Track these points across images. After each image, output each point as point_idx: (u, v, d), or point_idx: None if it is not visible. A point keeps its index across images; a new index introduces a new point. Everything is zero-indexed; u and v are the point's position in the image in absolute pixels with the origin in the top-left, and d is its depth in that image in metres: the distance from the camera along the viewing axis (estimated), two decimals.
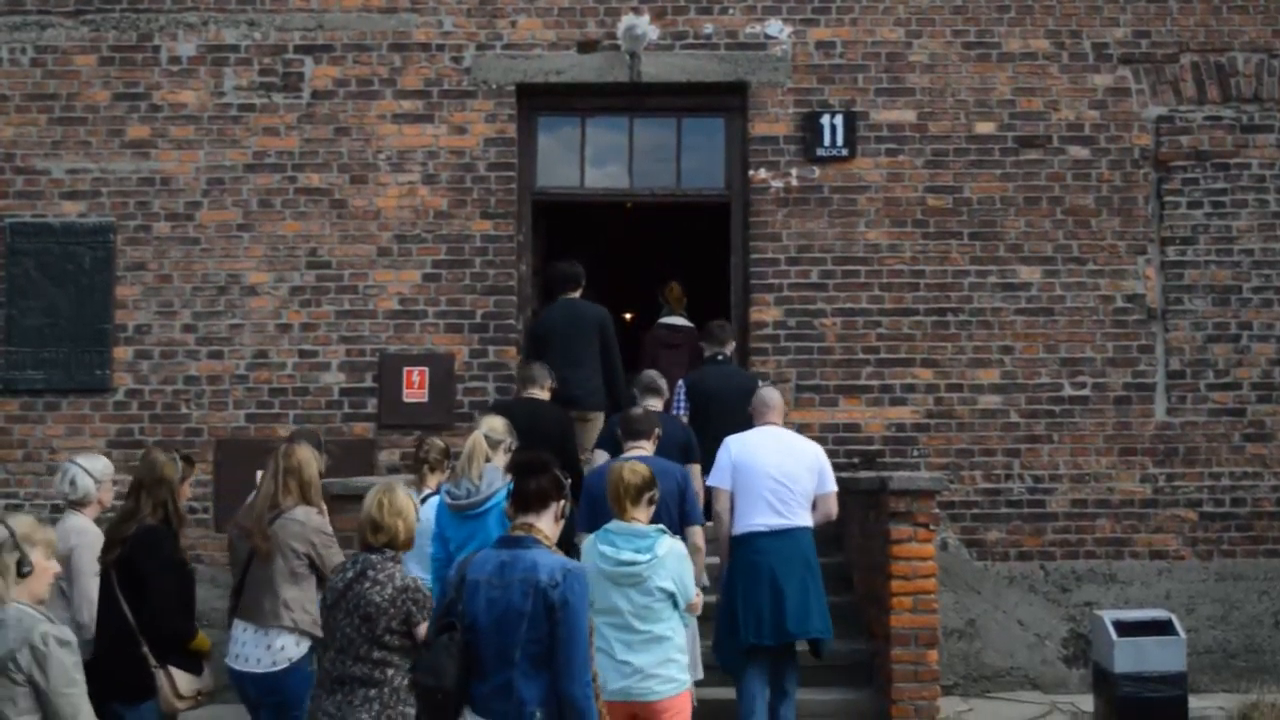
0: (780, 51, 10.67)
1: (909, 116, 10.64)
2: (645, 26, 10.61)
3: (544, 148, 10.94)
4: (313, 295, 10.48)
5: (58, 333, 10.39)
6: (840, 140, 10.56)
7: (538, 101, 10.80)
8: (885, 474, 8.91)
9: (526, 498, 5.06)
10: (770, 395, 8.27)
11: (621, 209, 11.82)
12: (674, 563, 6.05)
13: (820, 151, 10.56)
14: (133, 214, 10.52)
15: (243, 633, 6.46)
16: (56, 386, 10.38)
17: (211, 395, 10.39)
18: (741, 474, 7.80)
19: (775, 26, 10.69)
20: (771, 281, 10.48)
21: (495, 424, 7.22)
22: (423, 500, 7.36)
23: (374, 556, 5.47)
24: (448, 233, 10.52)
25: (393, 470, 9.93)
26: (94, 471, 6.99)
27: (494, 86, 10.62)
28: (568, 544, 6.68)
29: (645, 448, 7.53)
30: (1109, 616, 8.65)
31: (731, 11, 10.70)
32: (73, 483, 6.94)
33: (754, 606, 7.50)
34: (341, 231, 10.52)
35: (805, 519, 7.76)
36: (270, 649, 6.38)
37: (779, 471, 7.75)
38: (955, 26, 10.70)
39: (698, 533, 7.35)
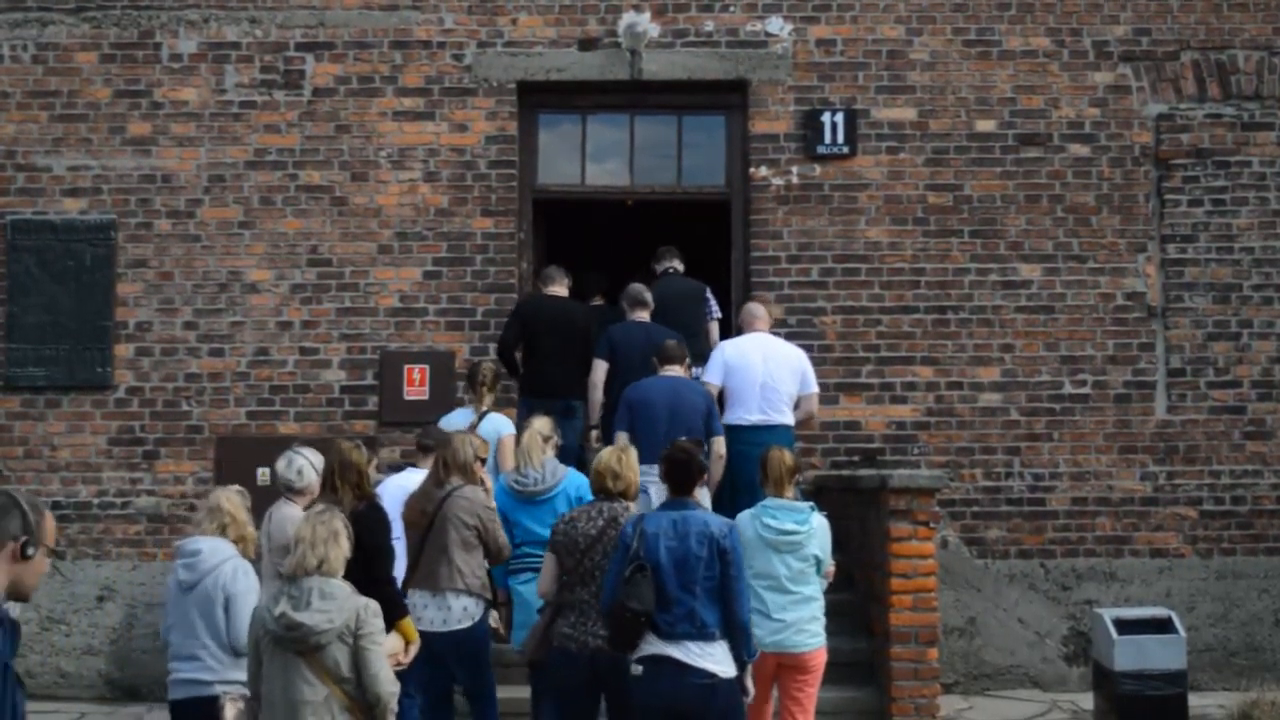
0: (781, 49, 10.67)
1: (909, 114, 10.64)
2: (646, 24, 10.62)
3: (545, 145, 10.94)
4: (314, 293, 10.48)
5: (59, 330, 10.40)
6: (841, 138, 10.56)
7: (538, 99, 10.80)
8: (885, 472, 8.90)
9: (682, 481, 6.40)
10: (757, 307, 9.52)
11: (622, 206, 11.81)
12: (822, 534, 7.21)
13: (821, 149, 10.56)
14: (134, 211, 10.53)
15: (421, 598, 7.14)
16: (57, 383, 10.39)
17: (212, 392, 10.40)
18: (734, 374, 9.03)
19: (776, 24, 10.69)
20: (772, 279, 10.48)
21: (542, 424, 8.01)
22: (480, 418, 8.71)
23: (617, 505, 6.62)
24: (448, 230, 10.52)
25: (394, 468, 9.94)
26: (317, 466, 7.29)
27: (495, 84, 10.63)
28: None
29: (678, 370, 8.84)
30: (1109, 614, 8.65)
31: (732, 9, 10.70)
32: (299, 472, 7.29)
33: (738, 492, 8.53)
34: (342, 229, 10.53)
35: (788, 417, 9.04)
36: (451, 610, 7.12)
37: (766, 374, 8.98)
38: (956, 24, 10.70)
39: (720, 442, 8.66)
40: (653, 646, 6.07)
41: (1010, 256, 10.54)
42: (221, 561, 6.19)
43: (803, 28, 10.69)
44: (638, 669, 6.12)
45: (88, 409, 10.39)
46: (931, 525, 8.50)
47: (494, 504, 7.48)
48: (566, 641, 6.51)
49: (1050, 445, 10.40)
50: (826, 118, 10.58)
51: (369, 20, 10.67)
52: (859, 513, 9.23)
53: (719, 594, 6.08)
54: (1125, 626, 8.47)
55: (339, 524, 5.64)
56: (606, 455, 6.81)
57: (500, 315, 10.35)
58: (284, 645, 5.44)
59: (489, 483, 7.90)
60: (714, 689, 6.03)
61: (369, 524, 6.65)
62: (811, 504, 7.29)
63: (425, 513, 7.22)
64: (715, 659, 6.06)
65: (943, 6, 10.71)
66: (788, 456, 7.36)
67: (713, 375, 9.09)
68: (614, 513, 6.59)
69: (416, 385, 10.31)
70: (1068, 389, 10.44)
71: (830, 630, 8.75)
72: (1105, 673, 8.46)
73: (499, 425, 8.76)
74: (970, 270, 10.52)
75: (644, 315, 9.49)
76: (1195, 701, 8.74)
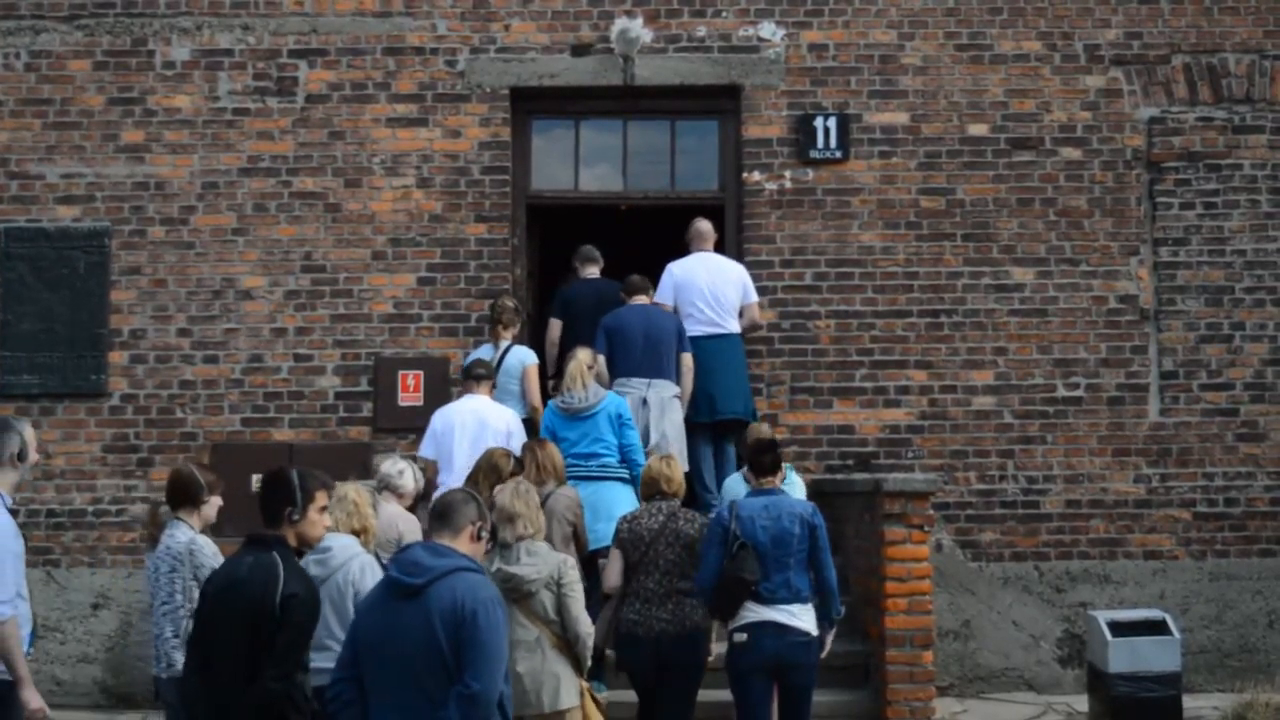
0: (773, 54, 10.69)
1: (902, 118, 10.66)
2: (638, 29, 10.64)
3: (538, 151, 10.95)
4: (307, 299, 10.48)
5: (53, 337, 10.40)
6: (833, 142, 10.58)
7: (532, 104, 10.81)
8: (880, 475, 8.92)
9: (765, 467, 7.45)
10: (704, 225, 10.13)
11: (615, 211, 11.82)
12: (799, 489, 8.78)
13: (813, 153, 10.58)
14: (127, 218, 10.53)
15: None
16: (52, 391, 10.38)
17: (207, 399, 10.39)
18: (683, 291, 9.80)
19: (768, 29, 10.71)
20: (765, 284, 10.49)
21: (585, 354, 8.98)
22: (503, 353, 9.47)
23: (674, 503, 7.47)
24: (442, 236, 10.53)
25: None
26: (417, 476, 8.17)
27: (488, 90, 10.64)
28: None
29: (644, 300, 9.72)
30: (1103, 617, 8.68)
31: (724, 14, 10.72)
32: (400, 473, 8.00)
33: (694, 394, 9.56)
34: (336, 235, 10.53)
35: (735, 326, 9.83)
36: None
37: (711, 285, 9.77)
38: (948, 28, 10.73)
39: (689, 359, 9.54)
40: (754, 614, 7.06)
41: (1003, 260, 10.56)
42: (350, 558, 6.61)
43: (795, 32, 10.71)
44: (742, 636, 7.08)
45: (82, 416, 10.38)
46: (926, 529, 8.51)
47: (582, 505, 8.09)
48: (634, 626, 7.25)
49: (1044, 448, 10.42)
50: (819, 122, 10.60)
51: (362, 26, 10.68)
52: (854, 516, 9.24)
53: (808, 564, 7.16)
54: (1120, 629, 8.49)
55: (536, 496, 6.75)
56: (655, 463, 7.67)
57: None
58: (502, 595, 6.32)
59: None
60: (808, 645, 7.11)
61: None
62: (788, 464, 8.62)
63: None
64: (807, 620, 7.12)
65: (934, 11, 10.74)
66: (765, 430, 8.83)
67: (664, 296, 9.85)
68: (671, 509, 7.44)
69: (411, 391, 10.30)
70: (1061, 392, 10.47)
71: None
72: (1100, 675, 8.48)
73: (522, 356, 9.56)
74: (963, 274, 10.54)
75: (594, 271, 10.29)
76: (1190, 703, 8.76)
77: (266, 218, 10.54)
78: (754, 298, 9.96)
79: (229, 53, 10.64)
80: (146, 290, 10.49)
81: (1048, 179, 10.61)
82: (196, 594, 6.44)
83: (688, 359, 9.53)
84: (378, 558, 7.35)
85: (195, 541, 6.74)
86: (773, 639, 7.03)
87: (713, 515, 7.59)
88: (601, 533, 8.06)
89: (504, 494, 6.70)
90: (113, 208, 10.53)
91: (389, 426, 10.29)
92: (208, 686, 5.32)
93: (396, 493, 7.93)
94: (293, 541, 5.53)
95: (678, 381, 9.49)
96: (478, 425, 8.75)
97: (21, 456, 6.10)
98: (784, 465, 8.04)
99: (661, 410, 9.30)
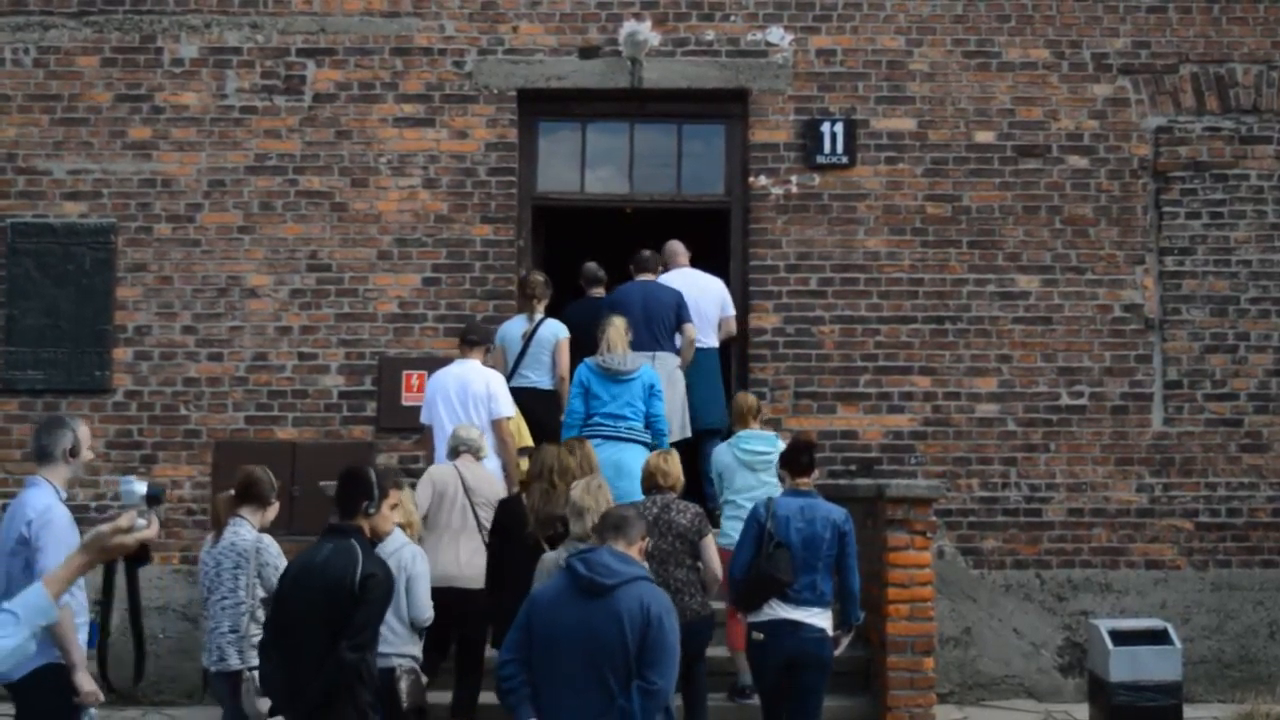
0: (781, 59, 10.69)
1: (909, 124, 10.66)
2: (647, 33, 10.65)
3: (545, 152, 10.96)
4: (313, 298, 10.49)
5: (58, 333, 10.41)
6: (840, 148, 10.59)
7: (539, 106, 10.82)
8: (882, 481, 8.92)
9: (802, 466, 7.54)
10: (678, 245, 10.45)
11: (621, 214, 11.82)
12: None
13: (820, 159, 10.59)
14: (134, 215, 10.54)
15: None
16: (56, 387, 10.40)
17: (211, 397, 10.40)
18: None
19: (776, 34, 10.72)
20: (770, 288, 10.50)
21: (621, 321, 9.13)
22: (536, 326, 9.61)
23: (669, 495, 7.64)
24: (448, 237, 10.54)
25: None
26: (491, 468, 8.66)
27: (495, 91, 10.65)
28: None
29: (651, 277, 10.01)
30: (1105, 625, 8.67)
31: (733, 19, 10.73)
32: (481, 435, 8.43)
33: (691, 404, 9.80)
34: (342, 235, 10.54)
35: (714, 340, 10.14)
36: None
37: (697, 305, 9.93)
38: (955, 35, 10.73)
39: (691, 328, 9.80)
40: (775, 612, 7.21)
41: (1008, 267, 10.56)
42: (400, 546, 6.94)
43: (803, 38, 10.72)
44: (759, 635, 7.26)
45: (86, 412, 10.34)
46: (928, 535, 8.52)
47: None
48: None
49: (1047, 456, 10.42)
50: (826, 127, 10.60)
51: (370, 26, 10.69)
52: (856, 522, 9.21)
53: (834, 569, 7.34)
54: (1121, 637, 8.48)
55: (608, 492, 6.98)
56: (653, 458, 7.85)
57: (499, 323, 10.32)
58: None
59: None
60: (823, 641, 7.27)
61: None
62: (774, 433, 8.96)
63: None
64: (824, 619, 7.29)
65: (943, 18, 10.74)
66: (750, 399, 9.04)
67: None
68: (665, 501, 7.61)
69: (415, 391, 10.29)
70: (1065, 400, 10.46)
71: None
72: (1100, 683, 8.47)
73: (555, 329, 9.70)
74: (968, 281, 10.54)
75: (600, 291, 10.36)
76: (1190, 713, 8.75)
77: (272, 216, 10.55)
78: (731, 311, 10.20)
79: (237, 51, 10.65)
80: (152, 287, 10.50)
81: (1054, 187, 10.61)
82: (259, 592, 6.92)
83: (690, 329, 9.79)
84: (475, 514, 8.06)
85: (262, 540, 7.06)
86: (790, 636, 7.20)
87: (749, 510, 7.78)
88: (622, 491, 8.15)
89: (576, 489, 6.98)
90: (119, 204, 10.54)
91: (392, 426, 10.30)
92: (283, 662, 5.73)
93: (476, 455, 8.33)
94: (366, 533, 5.95)
95: (678, 351, 9.76)
96: (460, 389, 8.97)
97: (74, 453, 6.21)
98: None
99: (666, 382, 9.56)
